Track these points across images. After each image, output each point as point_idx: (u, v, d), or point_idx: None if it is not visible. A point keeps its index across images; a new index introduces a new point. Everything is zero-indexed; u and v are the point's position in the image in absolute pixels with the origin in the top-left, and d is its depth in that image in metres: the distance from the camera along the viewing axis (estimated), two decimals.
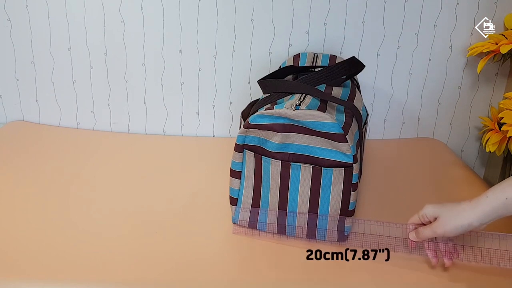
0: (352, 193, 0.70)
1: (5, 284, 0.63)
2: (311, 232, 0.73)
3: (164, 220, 0.78)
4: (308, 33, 1.05)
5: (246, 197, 0.75)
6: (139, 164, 0.97)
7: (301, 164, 0.70)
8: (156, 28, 1.05)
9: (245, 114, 0.81)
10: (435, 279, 0.67)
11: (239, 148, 0.73)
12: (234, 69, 1.08)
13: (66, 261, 0.67)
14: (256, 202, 0.75)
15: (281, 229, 0.74)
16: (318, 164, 0.70)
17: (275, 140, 0.70)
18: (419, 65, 1.08)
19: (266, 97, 0.77)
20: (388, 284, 0.66)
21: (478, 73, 1.06)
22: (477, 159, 1.17)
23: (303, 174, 0.70)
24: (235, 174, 0.74)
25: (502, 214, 0.61)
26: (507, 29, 1.02)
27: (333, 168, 0.69)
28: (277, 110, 0.69)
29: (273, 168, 0.71)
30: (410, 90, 1.11)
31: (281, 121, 0.69)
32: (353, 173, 0.69)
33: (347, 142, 0.67)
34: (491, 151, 0.98)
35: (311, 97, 0.73)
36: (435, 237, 0.67)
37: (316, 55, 0.97)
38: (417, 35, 1.06)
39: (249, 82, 1.09)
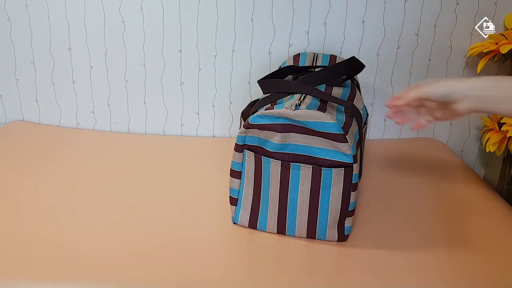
0: (352, 193, 0.70)
1: (5, 284, 0.63)
2: (311, 232, 0.73)
3: (163, 220, 0.78)
4: (308, 33, 1.05)
5: (246, 197, 0.75)
6: (139, 164, 0.97)
7: (301, 164, 0.70)
8: (156, 28, 1.05)
9: (245, 114, 0.81)
10: (437, 280, 0.67)
11: (239, 148, 0.73)
12: (234, 69, 1.08)
13: (67, 261, 0.67)
14: (256, 202, 0.75)
15: (281, 229, 0.74)
16: (318, 164, 0.70)
17: (275, 140, 0.70)
18: (419, 65, 1.08)
19: (266, 97, 0.77)
20: (388, 284, 0.66)
21: (478, 73, 1.06)
22: (477, 159, 1.17)
23: (303, 174, 0.70)
24: (235, 174, 0.74)
25: (492, 96, 0.60)
26: (507, 29, 1.02)
27: (333, 168, 0.69)
28: (277, 110, 0.69)
29: (273, 168, 0.71)
30: None
31: (281, 121, 0.69)
32: (353, 173, 0.69)
33: (347, 142, 0.67)
34: (491, 151, 0.98)
35: (311, 97, 0.73)
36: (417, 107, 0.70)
37: (316, 55, 0.97)
38: (417, 35, 1.06)
39: (249, 82, 1.09)
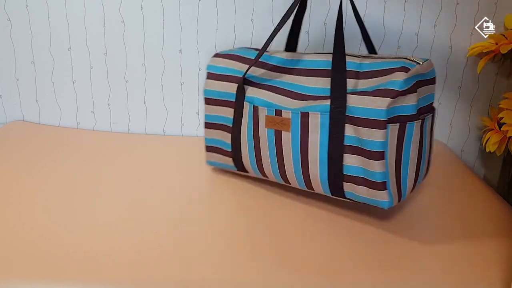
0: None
1: (4, 284, 0.63)
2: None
3: (163, 220, 0.78)
4: (308, 33, 1.05)
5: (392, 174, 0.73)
6: (139, 164, 0.97)
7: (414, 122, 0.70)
8: (156, 28, 1.05)
9: None
10: (435, 279, 0.67)
11: (382, 124, 0.70)
12: None
13: (66, 261, 0.67)
14: (398, 176, 0.72)
15: (399, 192, 0.73)
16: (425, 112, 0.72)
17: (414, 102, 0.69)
18: None
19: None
20: (389, 283, 0.66)
21: (478, 73, 1.06)
22: (477, 159, 1.18)
23: (415, 129, 0.70)
24: (379, 155, 0.70)
25: None
26: (507, 29, 1.02)
27: (429, 114, 0.72)
28: (415, 68, 0.67)
29: (415, 130, 0.70)
30: None
31: (415, 80, 0.69)
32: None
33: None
34: (491, 151, 0.98)
35: None
36: None
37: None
38: (417, 35, 1.06)
39: None
